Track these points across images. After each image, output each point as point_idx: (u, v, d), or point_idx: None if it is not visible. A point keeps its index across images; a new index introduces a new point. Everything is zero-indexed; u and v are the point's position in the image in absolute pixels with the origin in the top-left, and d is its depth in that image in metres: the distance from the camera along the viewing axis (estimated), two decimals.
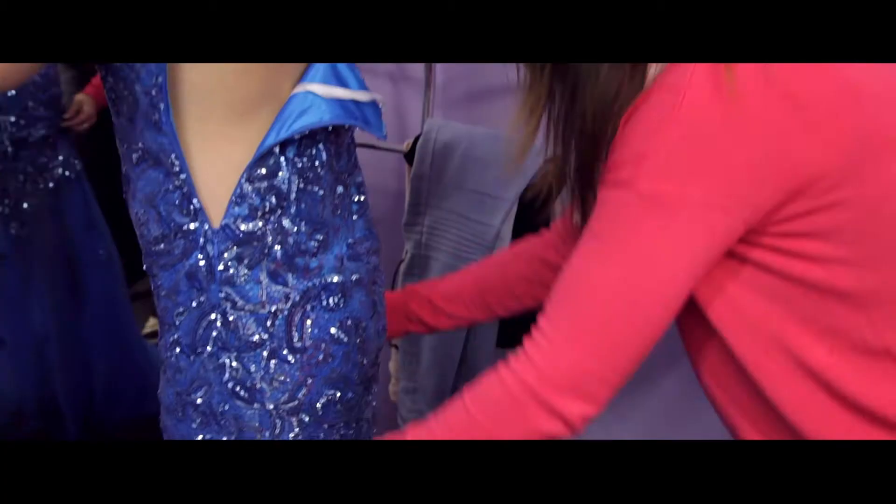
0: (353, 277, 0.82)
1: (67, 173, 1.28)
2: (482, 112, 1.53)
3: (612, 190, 0.69)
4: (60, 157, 1.26)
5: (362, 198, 0.86)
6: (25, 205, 1.21)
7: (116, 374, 1.59)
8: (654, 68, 0.69)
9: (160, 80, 0.70)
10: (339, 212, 0.82)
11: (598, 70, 0.68)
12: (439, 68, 1.58)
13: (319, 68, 0.76)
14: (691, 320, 0.75)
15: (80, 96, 1.47)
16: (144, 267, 0.83)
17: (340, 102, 0.76)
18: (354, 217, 0.84)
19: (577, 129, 0.71)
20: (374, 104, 0.80)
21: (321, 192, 0.79)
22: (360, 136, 0.86)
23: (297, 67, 0.76)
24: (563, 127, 0.73)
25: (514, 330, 1.43)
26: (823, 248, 0.67)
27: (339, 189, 0.82)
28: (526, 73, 0.74)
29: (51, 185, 1.25)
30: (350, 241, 0.83)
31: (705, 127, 0.63)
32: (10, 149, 1.19)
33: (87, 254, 1.37)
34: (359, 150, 0.89)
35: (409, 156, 1.44)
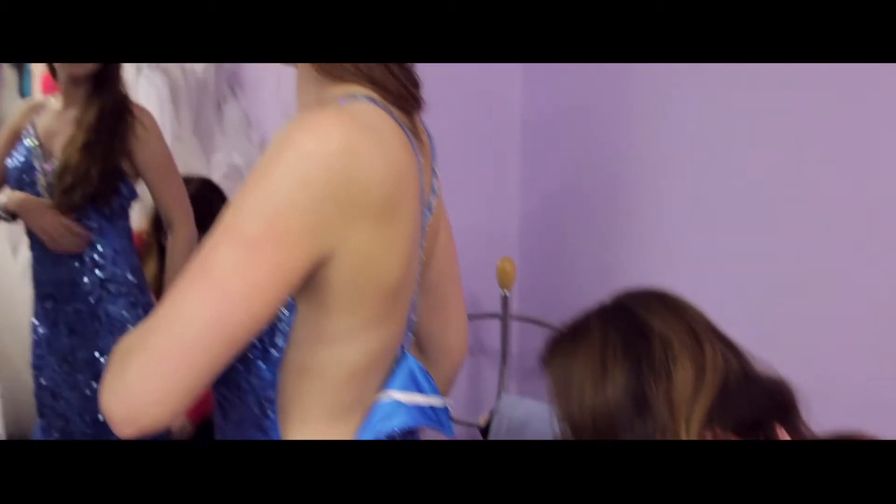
0: None
1: None
2: None
3: None
4: None
5: None
6: None
7: None
8: None
9: (271, 394, 0.79)
10: None
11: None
12: (515, 340, 1.65)
13: (399, 377, 0.86)
14: None
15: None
16: None
17: (419, 407, 0.86)
18: None
19: None
20: (445, 408, 0.90)
21: None
22: None
23: (380, 376, 0.85)
24: None
25: None
26: None
27: None
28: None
29: None
30: None
31: None
32: None
33: None
34: None
35: (484, 430, 1.49)
